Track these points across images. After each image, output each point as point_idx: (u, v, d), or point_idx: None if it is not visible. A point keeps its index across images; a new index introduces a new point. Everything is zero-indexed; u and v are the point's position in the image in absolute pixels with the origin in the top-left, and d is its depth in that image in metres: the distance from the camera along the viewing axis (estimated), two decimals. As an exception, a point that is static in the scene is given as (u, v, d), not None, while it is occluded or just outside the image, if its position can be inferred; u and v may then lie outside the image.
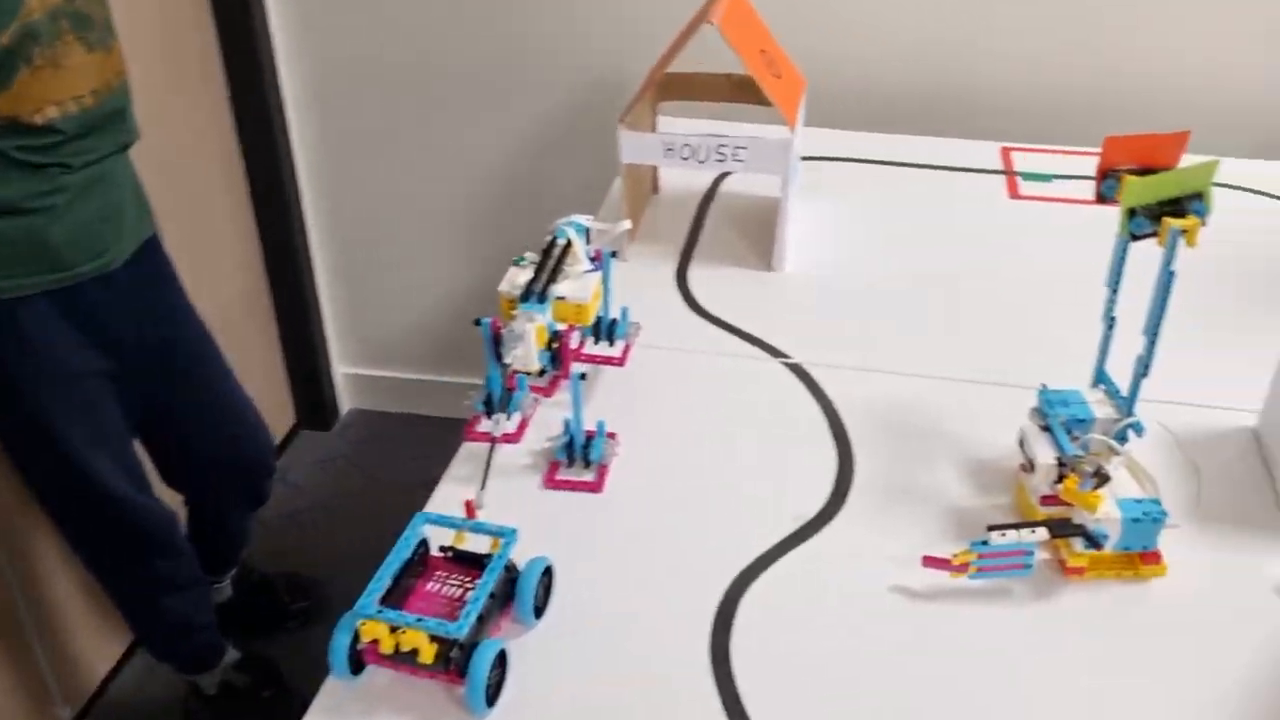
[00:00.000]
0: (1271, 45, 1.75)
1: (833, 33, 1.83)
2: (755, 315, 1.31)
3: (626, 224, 1.17)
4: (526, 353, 1.03)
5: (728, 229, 1.49)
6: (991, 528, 0.94)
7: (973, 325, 1.30)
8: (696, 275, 1.39)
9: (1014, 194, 1.55)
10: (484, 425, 1.12)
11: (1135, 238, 0.95)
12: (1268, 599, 0.95)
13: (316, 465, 2.37)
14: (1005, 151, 1.66)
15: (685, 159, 1.33)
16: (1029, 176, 1.58)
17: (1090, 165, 1.60)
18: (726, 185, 1.59)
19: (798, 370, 1.22)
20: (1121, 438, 1.00)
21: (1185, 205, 0.94)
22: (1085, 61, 1.80)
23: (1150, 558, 0.96)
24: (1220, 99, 1.80)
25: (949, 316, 1.31)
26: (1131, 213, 0.94)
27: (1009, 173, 1.60)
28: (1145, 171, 0.99)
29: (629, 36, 1.90)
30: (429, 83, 2.05)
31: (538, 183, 2.12)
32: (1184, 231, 0.91)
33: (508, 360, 1.03)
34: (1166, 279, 0.93)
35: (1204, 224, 0.93)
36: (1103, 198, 0.97)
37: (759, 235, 1.45)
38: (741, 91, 1.47)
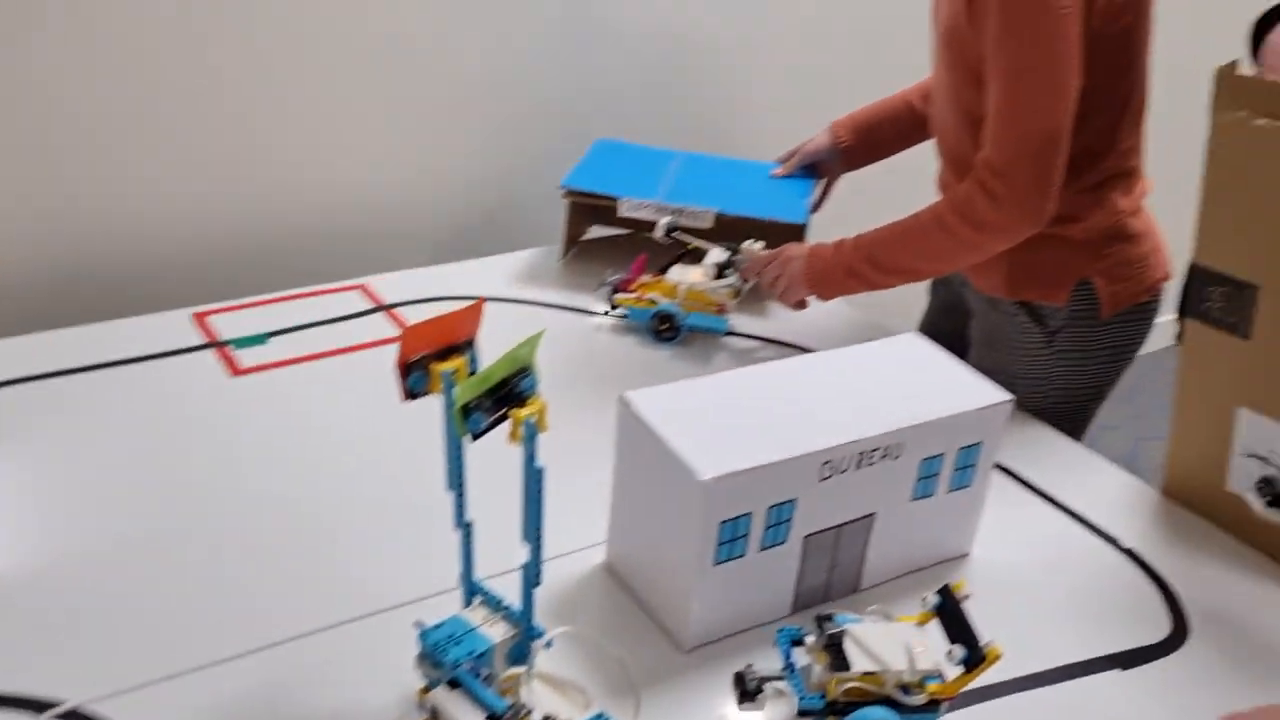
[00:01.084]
0: (407, 151, 1.74)
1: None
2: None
3: None
4: None
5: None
6: None
7: (275, 563, 1.04)
8: None
9: (235, 370, 1.30)
10: None
11: (477, 436, 0.81)
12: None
13: None
14: (200, 318, 1.40)
15: None
16: (242, 343, 1.35)
17: (296, 310, 1.44)
18: None
19: None
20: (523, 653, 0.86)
21: (514, 385, 0.82)
22: (230, 207, 1.62)
23: (614, 778, 0.84)
24: (386, 217, 1.76)
25: (242, 564, 1.03)
26: (466, 410, 0.80)
27: (217, 344, 1.35)
28: (448, 351, 0.85)
29: None
30: None
31: None
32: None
33: None
34: (536, 477, 0.80)
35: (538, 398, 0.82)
36: (413, 394, 0.82)
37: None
38: None
